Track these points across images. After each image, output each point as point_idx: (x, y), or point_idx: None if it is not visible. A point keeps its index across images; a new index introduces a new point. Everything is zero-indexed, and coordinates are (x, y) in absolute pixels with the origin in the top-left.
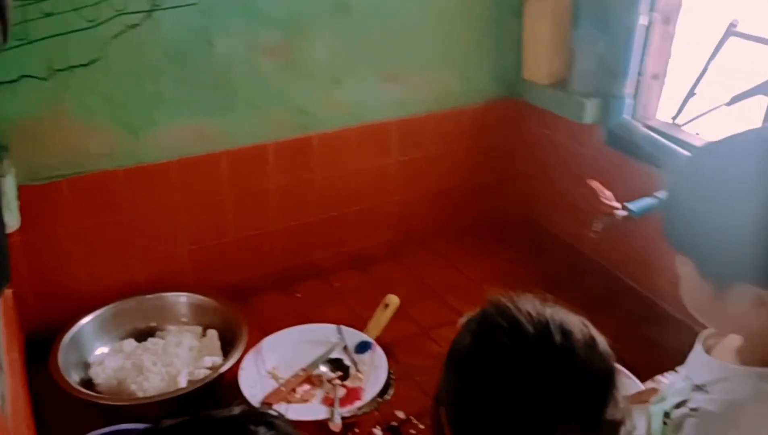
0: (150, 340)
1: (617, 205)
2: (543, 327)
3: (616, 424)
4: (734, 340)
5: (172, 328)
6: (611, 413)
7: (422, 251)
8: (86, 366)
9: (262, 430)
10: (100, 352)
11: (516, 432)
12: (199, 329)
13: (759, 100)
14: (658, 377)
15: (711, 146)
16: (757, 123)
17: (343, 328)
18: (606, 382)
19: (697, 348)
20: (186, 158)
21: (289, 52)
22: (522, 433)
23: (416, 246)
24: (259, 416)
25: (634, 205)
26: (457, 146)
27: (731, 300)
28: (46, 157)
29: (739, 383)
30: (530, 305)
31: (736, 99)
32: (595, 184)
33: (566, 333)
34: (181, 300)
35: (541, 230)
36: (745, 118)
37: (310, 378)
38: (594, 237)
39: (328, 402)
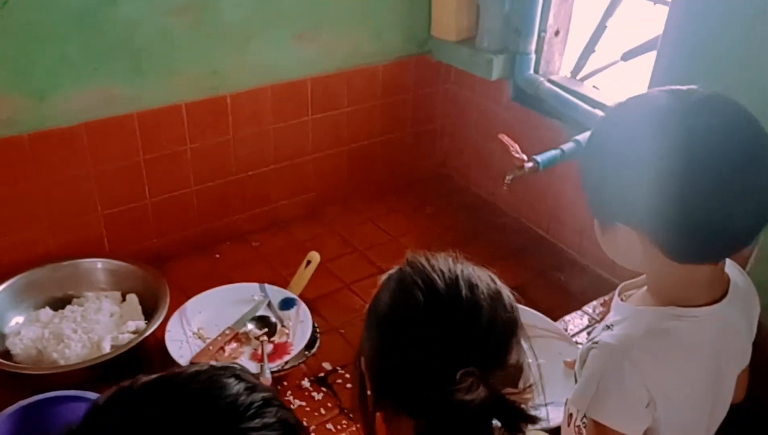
0: (68, 307)
1: (525, 157)
2: (453, 283)
3: (518, 368)
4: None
5: (89, 294)
6: (513, 358)
7: (341, 209)
8: (2, 337)
9: (233, 381)
10: (16, 323)
11: (423, 379)
12: (118, 295)
13: (650, 55)
14: (567, 317)
15: (614, 107)
16: (646, 76)
17: (267, 286)
18: (509, 331)
19: (615, 297)
20: (95, 121)
21: (197, 12)
22: (429, 380)
23: (335, 204)
24: (227, 369)
25: (541, 157)
26: (372, 104)
27: (614, 236)
28: None
29: (637, 321)
30: (444, 263)
31: (628, 55)
32: (505, 138)
33: (473, 287)
34: (97, 266)
35: (456, 185)
36: (639, 73)
37: (237, 336)
38: (505, 190)
39: (257, 358)
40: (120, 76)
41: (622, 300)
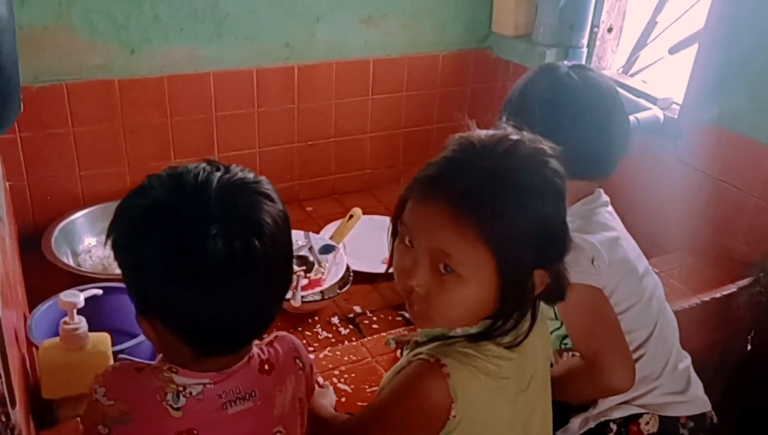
0: None
1: None
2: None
3: None
4: None
5: None
6: None
7: (394, 187)
8: (75, 255)
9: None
10: (88, 244)
11: None
12: None
13: (695, 48)
14: None
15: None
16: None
17: (311, 234)
18: None
19: None
20: (176, 75)
21: None
22: None
23: (389, 183)
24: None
25: None
26: (431, 91)
27: None
28: (48, 63)
29: None
30: None
31: (674, 49)
32: None
33: None
34: None
35: None
36: (685, 64)
37: None
38: None
39: (291, 288)
40: (202, 38)
41: None
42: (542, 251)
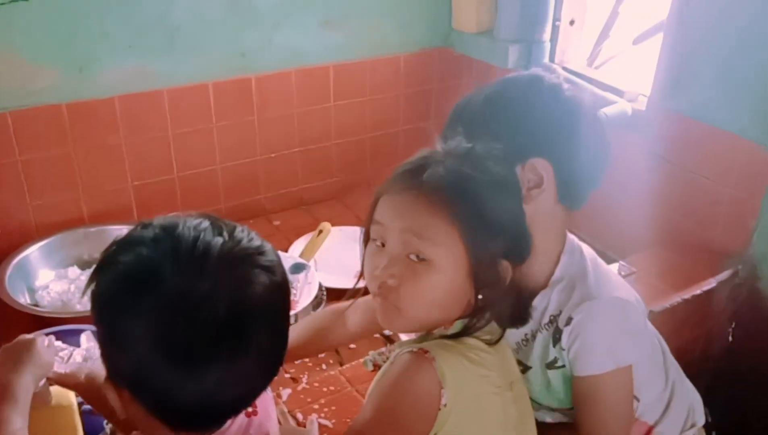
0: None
1: None
2: None
3: None
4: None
5: None
6: None
7: (364, 195)
8: (32, 292)
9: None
10: (45, 278)
11: None
12: None
13: (659, 37)
14: None
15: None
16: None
17: (280, 252)
18: None
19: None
20: (128, 95)
21: None
22: None
23: (358, 190)
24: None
25: None
26: (395, 93)
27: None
28: None
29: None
30: None
31: (638, 39)
32: None
33: None
34: (124, 233)
35: None
36: (650, 54)
37: None
38: None
39: None
40: (153, 53)
41: None
42: (505, 239)
